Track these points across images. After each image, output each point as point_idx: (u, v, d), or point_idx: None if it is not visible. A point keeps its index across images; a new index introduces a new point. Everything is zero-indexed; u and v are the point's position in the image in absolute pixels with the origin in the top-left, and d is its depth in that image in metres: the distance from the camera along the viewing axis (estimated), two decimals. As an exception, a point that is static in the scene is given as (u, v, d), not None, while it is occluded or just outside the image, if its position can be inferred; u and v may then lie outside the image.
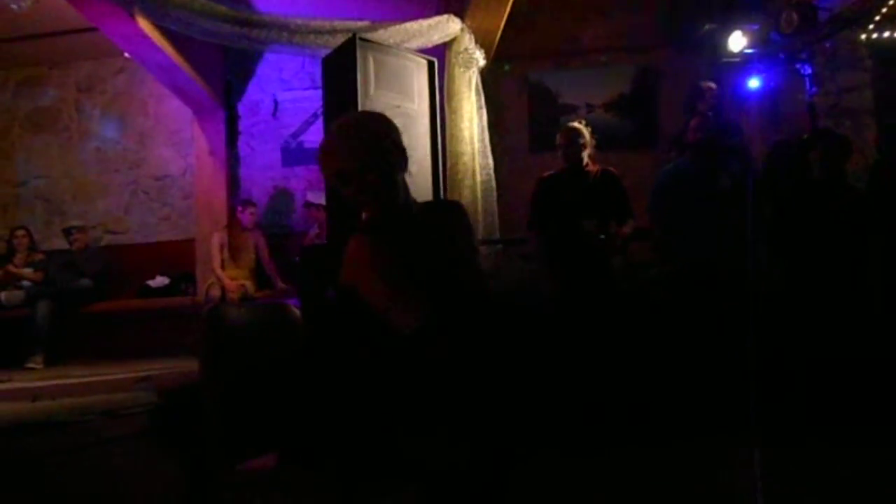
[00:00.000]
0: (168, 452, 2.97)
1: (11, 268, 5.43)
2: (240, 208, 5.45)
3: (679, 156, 4.39)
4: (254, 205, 5.53)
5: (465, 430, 1.63)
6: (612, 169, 4.22)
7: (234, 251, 5.33)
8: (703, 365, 3.60)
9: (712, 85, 4.63)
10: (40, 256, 5.61)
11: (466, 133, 4.62)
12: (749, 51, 4.77)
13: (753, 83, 4.75)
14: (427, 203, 1.91)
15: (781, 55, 4.70)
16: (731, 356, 3.08)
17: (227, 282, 5.09)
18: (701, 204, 3.90)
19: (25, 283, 5.40)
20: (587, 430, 3.40)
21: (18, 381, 3.94)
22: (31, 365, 4.80)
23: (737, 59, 4.88)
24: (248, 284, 5.24)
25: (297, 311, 2.18)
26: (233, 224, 5.46)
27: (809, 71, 4.68)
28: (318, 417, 1.72)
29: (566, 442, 3.35)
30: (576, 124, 4.20)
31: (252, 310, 2.20)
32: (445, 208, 1.91)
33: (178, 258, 5.75)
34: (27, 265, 5.52)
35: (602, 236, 4.03)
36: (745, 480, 1.30)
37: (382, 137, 1.80)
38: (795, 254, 3.88)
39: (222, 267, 5.22)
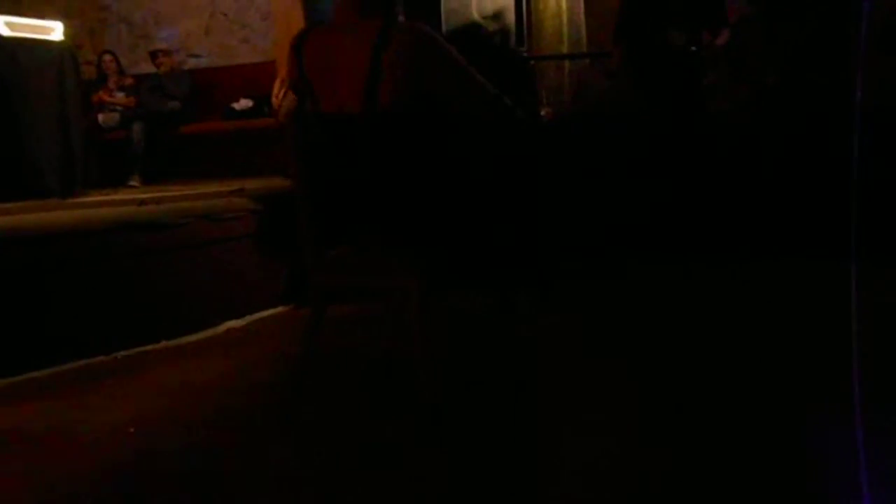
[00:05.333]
0: (268, 252, 3.18)
1: (105, 96, 5.61)
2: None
3: None
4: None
5: None
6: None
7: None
8: (800, 186, 3.48)
9: None
10: (130, 81, 5.75)
11: (551, -62, 4.31)
12: None
13: None
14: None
15: None
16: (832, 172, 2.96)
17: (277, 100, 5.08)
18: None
19: (119, 106, 5.59)
20: (667, 241, 3.42)
21: (123, 195, 4.21)
22: (131, 183, 5.09)
23: None
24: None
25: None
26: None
27: None
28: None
29: (646, 248, 3.40)
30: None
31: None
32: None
33: (260, 81, 5.77)
34: (119, 89, 5.68)
35: (693, 48, 3.81)
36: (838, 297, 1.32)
37: None
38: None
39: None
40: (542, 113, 4.09)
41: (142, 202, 3.21)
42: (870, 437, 1.21)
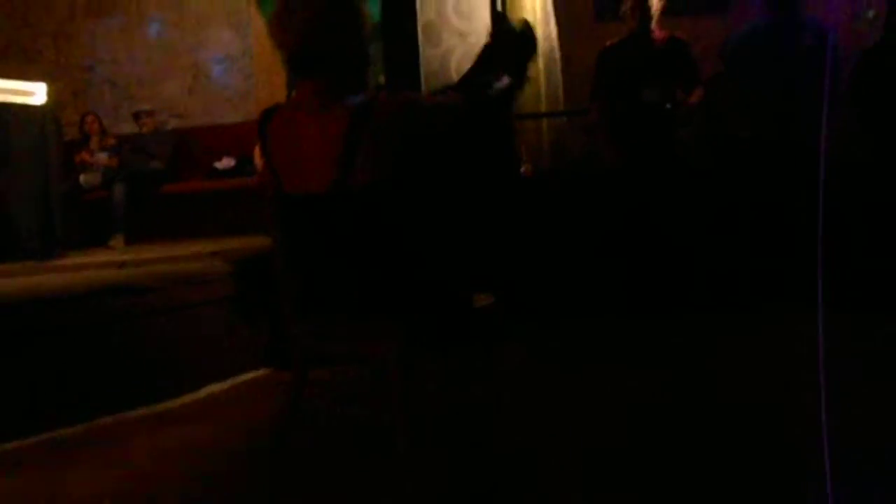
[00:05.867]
0: (245, 316, 3.16)
1: (87, 156, 5.62)
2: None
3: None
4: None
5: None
6: (679, 35, 4.03)
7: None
8: (771, 236, 3.54)
9: None
10: (112, 141, 5.77)
11: (528, 1, 4.44)
12: None
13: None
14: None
15: None
16: (800, 225, 3.02)
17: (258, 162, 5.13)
18: (777, 64, 3.70)
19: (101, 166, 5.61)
20: (644, 297, 3.45)
21: (103, 257, 4.19)
22: (112, 244, 5.06)
23: None
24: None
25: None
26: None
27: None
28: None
29: (625, 307, 3.42)
30: (644, -13, 3.99)
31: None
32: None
33: (243, 140, 5.83)
34: (101, 150, 5.70)
35: (667, 106, 3.91)
36: (807, 344, 1.35)
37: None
38: (881, 119, 3.67)
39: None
40: (522, 170, 4.15)
41: (121, 265, 3.20)
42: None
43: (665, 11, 3.99)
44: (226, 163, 5.69)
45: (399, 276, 1.79)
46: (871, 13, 4.11)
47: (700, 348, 3.00)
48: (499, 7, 4.14)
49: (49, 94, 4.30)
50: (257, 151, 4.86)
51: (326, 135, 1.70)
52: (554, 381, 2.72)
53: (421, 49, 3.81)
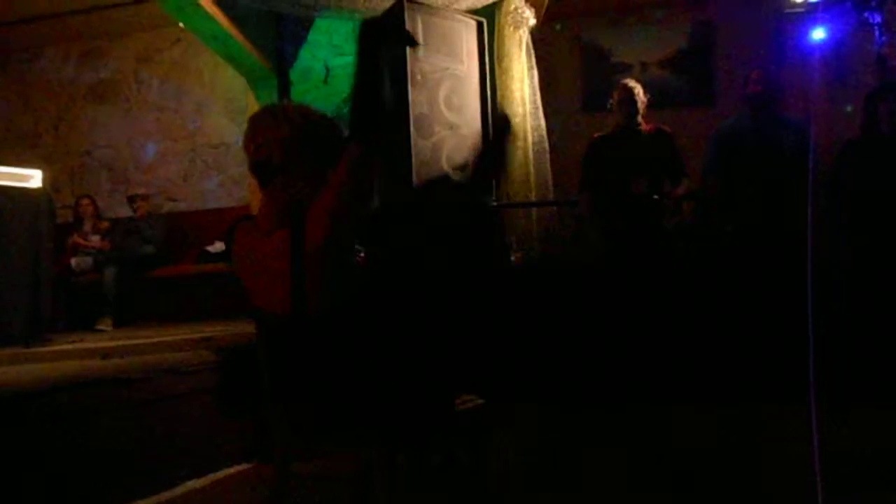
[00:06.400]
0: (227, 408, 3.10)
1: (80, 240, 5.64)
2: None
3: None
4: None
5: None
6: (665, 127, 4.14)
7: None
8: (757, 332, 3.52)
9: None
10: (106, 225, 5.81)
11: (517, 94, 4.57)
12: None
13: (818, 34, 4.55)
14: None
15: (849, 3, 4.47)
16: (788, 325, 3.01)
17: None
18: (759, 161, 3.78)
19: (93, 249, 5.62)
20: (628, 388, 3.40)
21: (90, 342, 4.14)
22: (100, 327, 5.02)
23: (800, 10, 4.67)
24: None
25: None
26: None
27: (879, 19, 4.44)
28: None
29: (604, 398, 3.37)
30: (631, 82, 4.12)
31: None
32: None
33: (236, 224, 5.89)
34: (94, 233, 5.73)
35: (655, 196, 3.97)
36: (798, 445, 1.32)
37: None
38: (862, 217, 3.72)
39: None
40: (512, 258, 4.17)
41: (105, 355, 3.16)
42: None
43: (651, 104, 4.11)
44: (217, 246, 5.71)
45: (372, 387, 1.76)
46: (848, 108, 4.24)
47: (691, 439, 2.94)
48: (488, 100, 4.27)
49: (45, 178, 4.35)
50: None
51: (281, 253, 1.67)
52: (541, 476, 2.65)
53: (413, 140, 3.89)
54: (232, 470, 3.02)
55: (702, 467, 2.65)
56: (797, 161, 3.52)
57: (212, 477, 2.94)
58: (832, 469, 1.32)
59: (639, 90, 4.07)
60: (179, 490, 2.79)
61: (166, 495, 2.73)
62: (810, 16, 4.60)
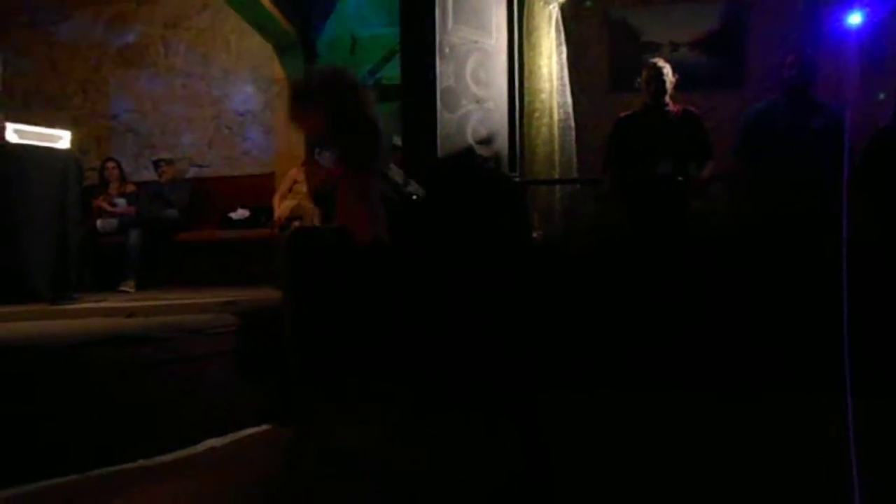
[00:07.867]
0: (247, 371, 3.14)
1: (105, 204, 5.71)
2: (317, 149, 5.52)
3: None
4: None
5: None
6: (693, 109, 4.10)
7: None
8: (784, 316, 3.50)
9: None
10: (132, 188, 5.88)
11: (545, 70, 4.55)
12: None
13: (854, 18, 4.45)
14: None
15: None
16: (818, 307, 2.98)
17: (277, 211, 5.18)
18: (792, 146, 3.73)
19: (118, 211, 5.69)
20: (646, 371, 3.40)
21: (114, 301, 4.21)
22: (124, 288, 5.10)
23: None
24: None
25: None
26: (310, 162, 5.55)
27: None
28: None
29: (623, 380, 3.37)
30: (660, 61, 4.08)
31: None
32: None
33: (258, 192, 5.92)
34: (120, 196, 5.80)
35: (679, 178, 3.94)
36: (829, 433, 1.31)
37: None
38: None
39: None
40: (534, 235, 4.17)
41: (130, 314, 3.21)
42: None
43: (679, 86, 4.07)
44: (241, 213, 5.77)
45: (405, 337, 1.79)
46: (881, 95, 4.17)
47: (712, 428, 2.93)
48: (516, 76, 4.24)
49: (72, 139, 4.39)
50: (277, 200, 4.94)
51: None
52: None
53: (438, 113, 3.88)
54: (251, 431, 3.08)
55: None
56: (832, 147, 3.47)
57: (232, 436, 2.99)
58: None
59: (668, 70, 4.02)
60: (200, 447, 2.85)
61: (188, 452, 2.79)
62: (846, -1, 4.50)
